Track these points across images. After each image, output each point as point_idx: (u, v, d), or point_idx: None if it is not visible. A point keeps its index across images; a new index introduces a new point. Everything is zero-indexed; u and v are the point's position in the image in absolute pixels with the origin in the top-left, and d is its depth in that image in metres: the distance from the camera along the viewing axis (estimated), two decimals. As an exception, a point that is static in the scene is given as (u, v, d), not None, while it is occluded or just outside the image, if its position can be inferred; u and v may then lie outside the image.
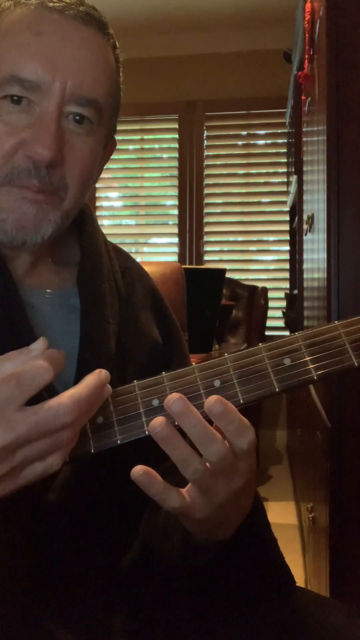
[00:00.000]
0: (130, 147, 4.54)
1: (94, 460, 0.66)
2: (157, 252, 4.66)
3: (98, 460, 0.66)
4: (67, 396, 0.58)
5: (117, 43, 0.81)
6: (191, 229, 4.44)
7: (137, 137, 4.54)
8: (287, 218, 4.11)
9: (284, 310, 3.76)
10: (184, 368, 0.65)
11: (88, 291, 0.83)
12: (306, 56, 2.05)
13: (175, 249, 4.48)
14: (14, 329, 0.75)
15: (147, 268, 0.99)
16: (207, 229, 4.44)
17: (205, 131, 4.44)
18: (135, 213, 4.60)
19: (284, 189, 4.13)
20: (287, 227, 4.16)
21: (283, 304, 3.95)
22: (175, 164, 4.47)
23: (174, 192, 4.48)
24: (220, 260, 4.41)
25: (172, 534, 0.74)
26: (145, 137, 4.56)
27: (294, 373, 0.63)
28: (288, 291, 4.02)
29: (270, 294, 4.00)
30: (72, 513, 0.75)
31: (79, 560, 0.77)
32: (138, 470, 0.61)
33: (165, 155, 4.55)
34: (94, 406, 0.61)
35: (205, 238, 4.44)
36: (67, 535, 0.75)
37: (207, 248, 4.45)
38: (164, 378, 0.64)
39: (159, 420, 0.60)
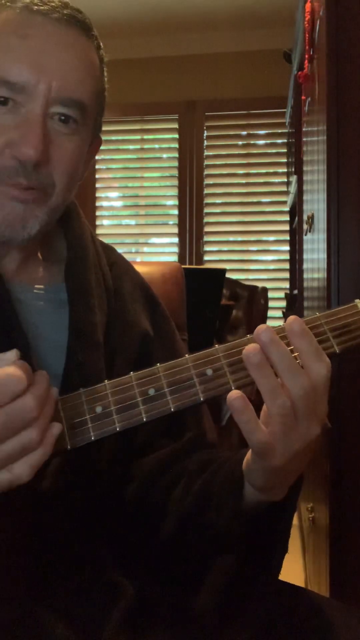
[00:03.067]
0: (130, 147, 4.53)
1: (85, 451, 0.67)
2: (157, 252, 4.66)
3: (89, 452, 0.68)
4: (29, 394, 0.61)
5: (101, 44, 0.84)
6: (191, 229, 4.44)
7: (137, 137, 4.53)
8: (287, 218, 4.11)
9: (284, 310, 3.75)
10: (179, 359, 0.68)
11: (74, 283, 0.85)
12: (306, 56, 2.05)
13: (175, 249, 4.48)
14: (3, 325, 0.77)
15: (147, 268, 1.00)
16: (207, 229, 4.43)
17: (205, 131, 4.43)
18: (135, 213, 4.59)
19: (284, 189, 4.13)
20: (287, 227, 4.16)
21: (283, 304, 3.95)
22: (175, 164, 4.47)
23: (174, 192, 4.48)
24: (220, 260, 4.40)
25: (223, 506, 0.75)
26: (145, 137, 4.55)
27: None
28: (288, 291, 4.02)
29: (270, 294, 4.00)
30: (67, 503, 0.76)
31: (77, 552, 0.78)
32: (235, 393, 0.63)
33: (165, 155, 4.55)
34: (52, 405, 0.64)
35: (205, 238, 4.44)
36: (64, 527, 0.76)
37: (207, 248, 4.44)
38: (159, 369, 0.67)
39: (253, 347, 0.63)
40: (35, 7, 0.77)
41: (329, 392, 0.65)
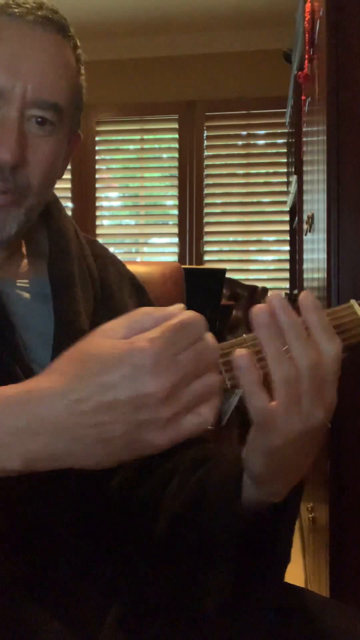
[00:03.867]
0: (130, 147, 4.53)
1: None
2: (157, 252, 4.66)
3: None
4: (210, 336, 0.59)
5: (78, 42, 0.85)
6: (191, 229, 4.44)
7: (137, 137, 4.53)
8: (287, 218, 4.11)
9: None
10: None
11: (58, 274, 0.86)
12: (306, 56, 2.05)
13: (175, 249, 4.48)
14: None
15: (146, 268, 1.00)
16: (207, 229, 4.43)
17: (205, 131, 4.43)
18: (135, 213, 4.59)
19: (284, 189, 4.13)
20: (287, 227, 4.16)
21: (283, 304, 3.94)
22: (175, 164, 4.47)
23: (174, 192, 4.48)
24: (220, 260, 4.40)
25: (219, 504, 0.73)
26: (145, 137, 4.55)
27: None
28: (288, 291, 4.02)
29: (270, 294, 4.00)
30: (61, 498, 0.76)
31: (72, 549, 0.78)
32: (242, 351, 0.62)
33: (165, 155, 4.55)
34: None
35: (205, 238, 4.44)
36: (58, 524, 0.76)
37: (207, 248, 4.44)
38: None
39: (261, 307, 0.62)
40: (10, 9, 0.78)
41: (337, 380, 0.64)
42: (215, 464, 0.78)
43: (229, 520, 0.72)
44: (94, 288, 0.90)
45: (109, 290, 0.92)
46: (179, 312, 0.58)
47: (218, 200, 4.45)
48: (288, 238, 4.15)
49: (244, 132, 4.42)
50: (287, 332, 0.62)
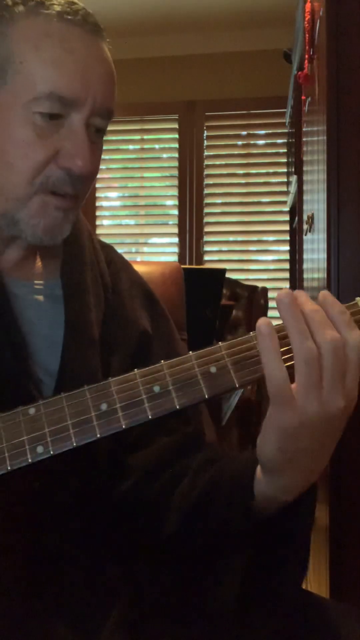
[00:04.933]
0: (130, 147, 4.53)
1: (73, 451, 0.67)
2: (157, 252, 4.66)
3: (77, 452, 0.68)
4: None
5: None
6: (191, 229, 4.44)
7: (137, 137, 4.53)
8: (287, 218, 4.11)
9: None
10: (182, 356, 0.68)
11: (70, 279, 0.86)
12: (306, 56, 2.05)
13: (175, 249, 4.47)
14: None
15: (146, 268, 1.00)
16: (207, 229, 4.43)
17: (205, 131, 4.43)
18: (135, 213, 4.59)
19: (284, 189, 4.13)
20: (287, 227, 4.16)
21: (283, 304, 3.93)
22: (175, 164, 4.47)
23: (174, 192, 4.48)
24: (220, 260, 4.40)
25: (232, 499, 0.73)
26: (145, 137, 4.55)
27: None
28: (288, 291, 4.01)
29: (270, 294, 3.99)
30: (64, 500, 0.76)
31: (75, 550, 0.78)
32: (265, 320, 0.64)
33: (165, 155, 4.55)
34: None
35: (205, 238, 4.44)
36: (60, 524, 0.76)
37: (207, 248, 4.44)
38: (163, 366, 0.67)
39: (285, 290, 0.65)
40: (69, 16, 0.78)
41: (359, 370, 0.64)
42: (228, 462, 0.78)
43: (242, 515, 0.72)
44: (105, 296, 0.89)
45: (121, 298, 0.91)
46: None
47: (218, 200, 4.45)
48: (288, 238, 4.14)
49: (244, 132, 4.42)
50: (310, 317, 0.63)
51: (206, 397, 0.66)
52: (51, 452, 0.65)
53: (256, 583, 0.75)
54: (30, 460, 0.65)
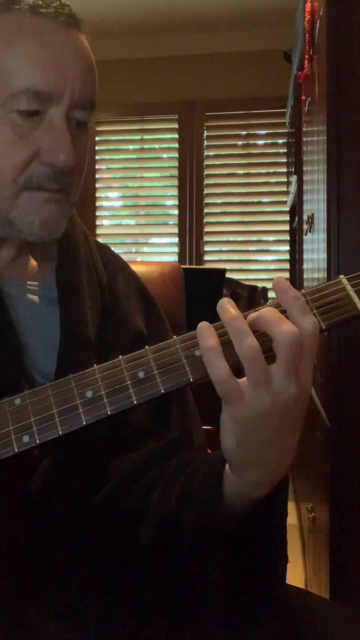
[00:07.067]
0: (130, 147, 4.53)
1: (71, 450, 0.67)
2: (157, 252, 4.66)
3: (75, 450, 0.67)
4: None
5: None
6: (191, 229, 4.44)
7: (137, 137, 4.53)
8: (287, 218, 4.11)
9: (284, 310, 3.74)
10: (166, 341, 0.68)
11: (65, 281, 0.86)
12: (306, 56, 2.05)
13: (175, 249, 4.47)
14: None
15: (146, 268, 1.00)
16: (207, 229, 4.43)
17: (205, 131, 4.43)
18: (135, 213, 4.59)
19: (284, 189, 4.13)
20: (287, 227, 4.16)
21: (283, 304, 3.93)
22: (175, 164, 4.47)
23: (174, 192, 4.48)
24: (220, 260, 4.40)
25: (202, 503, 0.72)
26: (145, 137, 4.55)
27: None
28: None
29: (270, 294, 4.00)
30: (59, 504, 0.76)
31: (69, 553, 0.78)
32: (204, 324, 0.64)
33: (165, 155, 4.55)
34: None
35: (205, 238, 4.44)
36: (55, 528, 0.76)
37: (207, 248, 4.44)
38: (147, 351, 0.67)
39: (227, 299, 0.65)
40: (42, 9, 0.77)
41: (314, 359, 0.63)
42: (199, 464, 0.77)
43: (212, 516, 0.71)
44: (102, 297, 0.89)
45: (117, 300, 0.91)
46: None
47: (218, 200, 4.45)
48: (288, 238, 4.14)
49: (244, 132, 4.42)
50: (262, 315, 0.62)
51: (191, 380, 0.66)
52: (37, 442, 0.65)
53: (240, 582, 0.74)
54: (16, 450, 0.65)
